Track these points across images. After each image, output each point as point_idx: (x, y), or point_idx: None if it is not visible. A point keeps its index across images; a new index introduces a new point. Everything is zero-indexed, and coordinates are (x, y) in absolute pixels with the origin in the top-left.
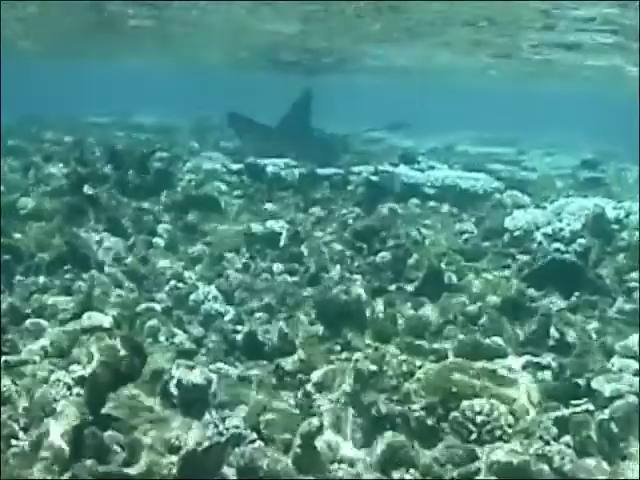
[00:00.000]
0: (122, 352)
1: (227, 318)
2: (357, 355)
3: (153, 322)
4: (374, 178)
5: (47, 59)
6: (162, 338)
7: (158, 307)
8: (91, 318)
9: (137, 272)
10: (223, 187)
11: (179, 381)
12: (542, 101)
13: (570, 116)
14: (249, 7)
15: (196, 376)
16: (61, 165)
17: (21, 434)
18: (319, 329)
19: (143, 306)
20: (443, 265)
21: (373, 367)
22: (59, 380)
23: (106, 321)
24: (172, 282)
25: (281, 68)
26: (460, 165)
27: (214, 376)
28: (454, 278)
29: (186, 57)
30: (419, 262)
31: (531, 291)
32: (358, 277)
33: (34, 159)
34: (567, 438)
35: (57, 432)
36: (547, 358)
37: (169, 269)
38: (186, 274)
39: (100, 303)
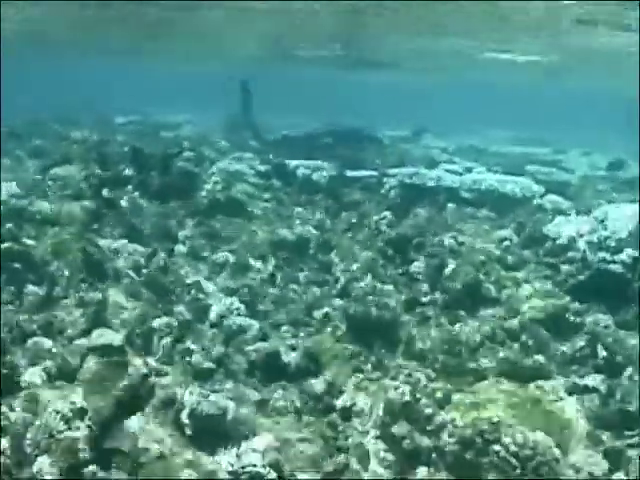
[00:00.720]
0: (127, 381)
1: (249, 334)
2: (388, 383)
3: (169, 339)
4: (408, 181)
5: (78, 55)
6: (177, 357)
7: (175, 322)
8: (102, 336)
9: (156, 282)
10: (250, 190)
11: (192, 410)
12: (573, 98)
13: (604, 114)
14: None
15: (211, 405)
16: (81, 167)
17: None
18: (348, 345)
19: (159, 321)
20: (481, 276)
21: (406, 398)
22: (57, 412)
23: (117, 339)
24: (193, 292)
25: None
26: (497, 166)
27: (231, 405)
28: (493, 290)
29: (218, 49)
30: (455, 272)
31: (575, 305)
32: (390, 288)
33: (54, 159)
34: (620, 475)
35: (51, 473)
36: (595, 380)
37: (190, 278)
38: (208, 284)
39: (115, 316)
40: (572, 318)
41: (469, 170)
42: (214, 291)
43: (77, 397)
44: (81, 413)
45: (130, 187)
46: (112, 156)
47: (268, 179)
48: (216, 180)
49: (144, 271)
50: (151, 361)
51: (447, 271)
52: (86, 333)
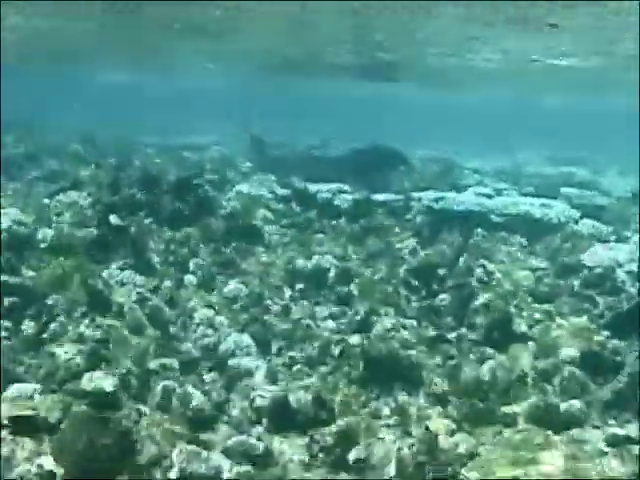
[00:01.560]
0: (106, 439)
1: (257, 376)
2: (402, 442)
3: (167, 383)
4: (436, 205)
5: (100, 69)
6: (176, 402)
7: (176, 363)
8: (92, 381)
9: (162, 316)
10: (269, 215)
11: (182, 471)
12: (611, 116)
13: None
14: None
15: (202, 464)
16: (90, 192)
17: None
18: (365, 388)
19: (158, 362)
20: (512, 309)
21: (421, 457)
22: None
23: (108, 384)
24: (201, 328)
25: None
26: (531, 188)
27: (226, 464)
28: (524, 325)
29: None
30: (484, 306)
31: (614, 341)
32: (413, 323)
33: (64, 184)
34: None
35: None
36: (637, 429)
37: (199, 312)
38: (218, 318)
39: (114, 355)
40: (611, 356)
41: (500, 193)
42: (224, 326)
43: (47, 459)
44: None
45: (142, 213)
46: (126, 180)
47: (288, 203)
48: (233, 205)
49: (150, 304)
50: (145, 409)
51: (475, 304)
52: (79, 375)
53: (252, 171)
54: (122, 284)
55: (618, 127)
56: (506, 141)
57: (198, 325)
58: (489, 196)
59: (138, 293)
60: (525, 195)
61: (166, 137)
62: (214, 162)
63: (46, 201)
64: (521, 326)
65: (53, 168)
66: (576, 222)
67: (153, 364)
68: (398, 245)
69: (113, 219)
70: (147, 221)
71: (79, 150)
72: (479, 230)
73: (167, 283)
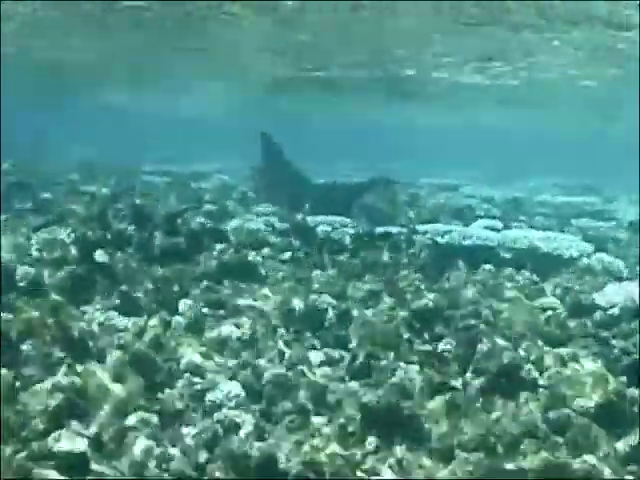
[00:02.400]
0: None
1: (245, 431)
2: None
3: (144, 442)
4: (441, 240)
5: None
6: (152, 464)
7: (155, 418)
8: (59, 440)
9: (146, 362)
10: (266, 250)
11: None
12: (621, 141)
13: None
14: None
15: None
16: (76, 226)
17: None
18: (361, 442)
19: (134, 418)
20: (521, 353)
21: None
22: None
23: (80, 444)
24: (187, 376)
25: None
26: (541, 218)
27: None
28: (534, 371)
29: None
30: (491, 350)
31: (632, 390)
32: (415, 369)
33: (51, 217)
34: None
35: None
36: None
37: (187, 357)
38: (207, 364)
39: (90, 407)
40: (628, 407)
41: (509, 225)
42: (212, 373)
43: None
44: None
45: (130, 249)
46: (116, 213)
47: (287, 238)
48: (229, 239)
49: (133, 349)
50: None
51: (481, 349)
52: (47, 433)
53: (253, 201)
54: (104, 327)
55: (629, 152)
56: (517, 167)
57: (184, 372)
58: (497, 229)
59: (120, 337)
60: (535, 227)
61: (170, 164)
62: (214, 192)
63: (29, 236)
64: (531, 372)
65: (46, 198)
66: (589, 256)
67: (131, 419)
68: (400, 284)
69: (98, 256)
70: (136, 257)
71: (75, 180)
72: (486, 266)
73: (154, 325)
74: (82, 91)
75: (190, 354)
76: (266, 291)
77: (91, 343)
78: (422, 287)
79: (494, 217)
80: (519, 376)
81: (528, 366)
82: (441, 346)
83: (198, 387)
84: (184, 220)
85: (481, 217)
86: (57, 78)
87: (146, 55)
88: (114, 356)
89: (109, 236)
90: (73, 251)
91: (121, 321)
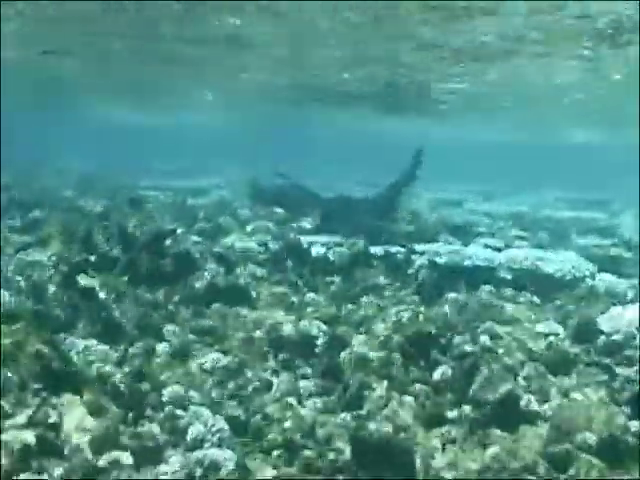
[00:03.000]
0: None
1: (226, 470)
2: None
3: None
4: (440, 260)
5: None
6: None
7: (129, 459)
8: None
9: (127, 393)
10: (258, 271)
11: None
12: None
13: None
14: None
15: None
16: (58, 248)
17: None
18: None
19: (106, 459)
20: (521, 381)
21: None
22: None
23: None
24: (169, 408)
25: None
26: (544, 234)
27: None
28: (534, 402)
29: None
30: (489, 379)
31: (636, 423)
32: (409, 400)
33: (36, 237)
34: None
35: None
36: None
37: (170, 388)
38: (190, 396)
39: (64, 444)
40: (633, 441)
41: (510, 244)
42: (195, 405)
43: None
44: None
45: (116, 272)
46: (105, 233)
47: (279, 258)
48: (219, 260)
49: (114, 379)
50: None
51: (479, 378)
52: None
53: (250, 218)
54: (84, 355)
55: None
56: (522, 180)
57: (166, 404)
58: (498, 249)
59: (101, 366)
60: (537, 246)
61: (170, 179)
62: (210, 208)
63: (12, 257)
64: (531, 403)
65: (37, 217)
66: (593, 277)
67: (104, 460)
68: (395, 308)
69: (81, 280)
70: (121, 280)
71: (69, 197)
72: (486, 287)
73: (136, 353)
74: (83, 105)
75: (173, 384)
76: (256, 315)
77: (69, 374)
78: (418, 311)
79: (494, 235)
80: (518, 407)
81: (528, 396)
82: (437, 375)
83: (180, 420)
84: (174, 240)
85: (482, 235)
86: (57, 92)
87: (147, 68)
88: (92, 387)
89: (94, 258)
90: (55, 274)
91: (102, 349)
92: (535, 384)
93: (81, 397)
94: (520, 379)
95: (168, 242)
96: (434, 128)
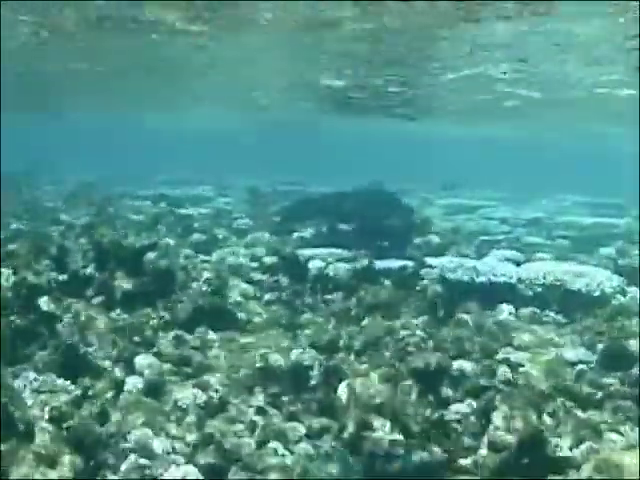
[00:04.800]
0: None
1: None
2: None
3: None
4: (452, 276)
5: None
6: None
7: None
8: None
9: (86, 438)
10: (249, 290)
11: None
12: None
13: None
14: None
15: None
16: (22, 264)
17: None
18: None
19: None
20: (547, 420)
21: None
22: None
23: None
24: (133, 456)
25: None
26: (565, 242)
27: None
28: (563, 444)
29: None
30: (509, 418)
31: None
32: (417, 443)
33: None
34: None
35: None
36: None
37: (137, 431)
38: (161, 440)
39: None
40: None
41: (530, 256)
42: (164, 453)
43: None
44: None
45: (88, 293)
46: (82, 249)
47: (274, 274)
48: (207, 278)
49: (72, 422)
50: None
51: (497, 417)
52: None
53: (249, 229)
54: (38, 393)
55: None
56: (538, 183)
57: (132, 451)
58: (516, 262)
59: (56, 407)
60: (559, 256)
61: (172, 187)
62: (208, 218)
63: None
64: (559, 446)
65: (19, 228)
66: (623, 292)
67: None
68: (403, 332)
69: (43, 304)
70: (93, 303)
71: (53, 209)
72: (504, 306)
73: (102, 389)
74: (83, 108)
75: (141, 427)
76: (244, 341)
77: (18, 415)
78: (428, 337)
79: (513, 245)
80: (544, 453)
81: (555, 440)
82: (448, 413)
83: (147, 472)
84: (160, 255)
85: (499, 245)
86: (57, 95)
87: (157, 70)
88: (46, 432)
89: (65, 277)
90: (12, 297)
91: (61, 384)
92: (563, 423)
93: (29, 445)
94: (545, 417)
95: (151, 257)
96: (440, 130)
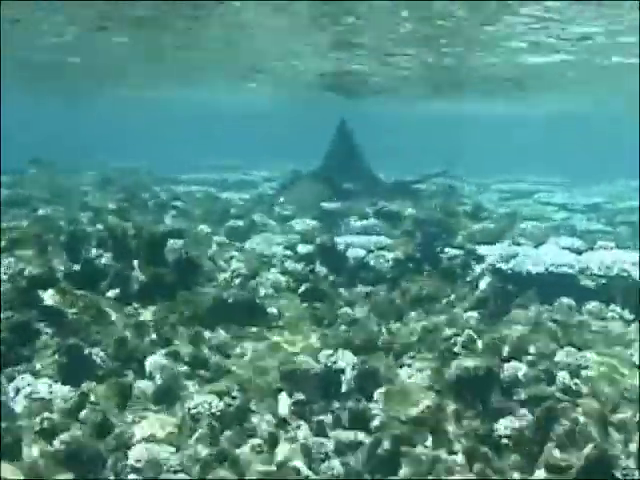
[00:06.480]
0: None
1: None
2: None
3: None
4: (505, 266)
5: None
6: None
7: None
8: None
9: (79, 454)
10: (281, 281)
11: None
12: None
13: None
14: None
15: None
16: (32, 255)
17: None
18: None
19: None
20: (615, 434)
21: None
22: None
23: None
24: (133, 477)
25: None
26: (630, 230)
27: None
28: (634, 467)
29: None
30: (571, 434)
31: None
32: (461, 460)
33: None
34: None
35: None
36: None
37: (139, 446)
38: (165, 457)
39: None
40: None
41: (591, 246)
42: (171, 470)
43: None
44: None
45: (105, 284)
46: (90, 237)
47: (309, 264)
48: (235, 268)
49: (66, 436)
50: None
51: (556, 432)
52: None
53: (290, 215)
54: (31, 401)
55: None
56: (598, 165)
57: (132, 470)
58: (577, 251)
59: (49, 418)
60: (623, 247)
61: (220, 172)
62: (248, 203)
63: None
64: (630, 470)
65: (46, 214)
66: None
67: None
68: (449, 330)
69: (47, 297)
70: (109, 295)
71: (88, 193)
72: (564, 300)
73: (106, 395)
74: (132, 89)
75: (147, 439)
76: (271, 339)
77: (3, 426)
78: (477, 337)
79: (573, 232)
80: (613, 476)
81: (626, 461)
82: (498, 427)
83: None
84: (187, 243)
85: (557, 232)
86: (93, 76)
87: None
88: (35, 447)
89: (78, 268)
90: (10, 291)
91: (59, 391)
92: (634, 440)
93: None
94: (613, 432)
95: (175, 245)
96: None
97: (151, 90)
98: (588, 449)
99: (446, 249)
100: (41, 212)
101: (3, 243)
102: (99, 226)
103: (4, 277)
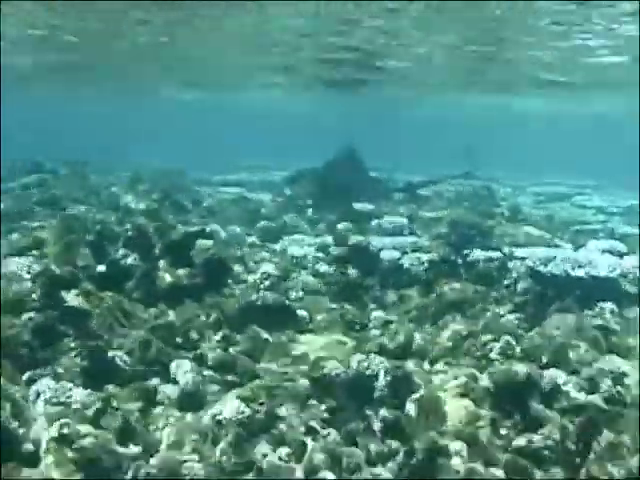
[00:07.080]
0: None
1: None
2: None
3: None
4: (544, 268)
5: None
6: None
7: None
8: None
9: (99, 462)
10: (313, 283)
11: None
12: None
13: None
14: None
15: None
16: (49, 254)
17: None
18: None
19: None
20: None
21: None
22: None
23: None
24: None
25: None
26: None
27: None
28: None
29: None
30: (615, 447)
31: None
32: (500, 474)
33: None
34: None
35: None
36: None
37: (162, 453)
38: (191, 464)
39: None
40: None
41: (632, 249)
42: (197, 476)
43: None
44: None
45: (130, 285)
46: (118, 236)
47: (342, 266)
48: (265, 270)
49: (85, 441)
50: None
51: (599, 444)
52: None
53: (323, 217)
54: (52, 405)
55: None
56: (630, 168)
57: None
58: (619, 254)
59: (67, 424)
60: None
61: (254, 173)
62: (281, 205)
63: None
64: None
65: (76, 214)
66: None
67: None
68: (486, 336)
69: (70, 298)
70: (134, 296)
71: (120, 194)
72: (605, 305)
73: (128, 400)
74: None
75: (170, 447)
76: (302, 343)
77: (21, 432)
78: (515, 343)
79: (613, 235)
80: None
81: None
82: (537, 438)
83: None
84: (213, 245)
85: (596, 235)
86: (133, 77)
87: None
88: (52, 455)
89: (103, 268)
90: (34, 290)
91: (79, 395)
92: None
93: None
94: None
95: (204, 245)
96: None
97: (187, 93)
98: (632, 462)
99: (482, 251)
100: (70, 212)
101: (29, 242)
102: (127, 226)
103: (27, 276)
